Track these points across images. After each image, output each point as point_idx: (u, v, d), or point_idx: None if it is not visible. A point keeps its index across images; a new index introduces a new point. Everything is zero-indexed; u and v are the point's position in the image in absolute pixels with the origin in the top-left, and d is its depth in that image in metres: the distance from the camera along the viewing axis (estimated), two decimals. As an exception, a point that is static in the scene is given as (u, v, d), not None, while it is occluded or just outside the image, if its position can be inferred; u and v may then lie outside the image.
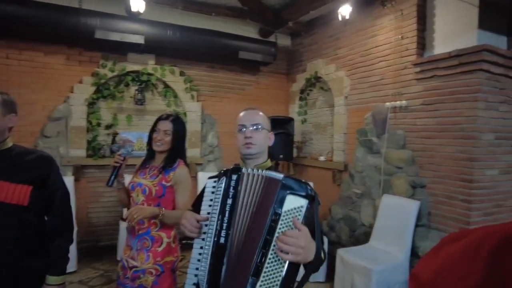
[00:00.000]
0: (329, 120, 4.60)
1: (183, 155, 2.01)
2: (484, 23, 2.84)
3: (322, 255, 1.13)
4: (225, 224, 1.15)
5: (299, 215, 1.08)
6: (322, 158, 4.56)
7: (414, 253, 3.05)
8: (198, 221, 1.20)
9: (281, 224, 1.08)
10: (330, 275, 3.33)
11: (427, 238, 3.04)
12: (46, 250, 1.56)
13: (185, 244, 3.59)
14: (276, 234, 1.06)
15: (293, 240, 1.03)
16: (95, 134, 4.21)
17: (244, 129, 1.32)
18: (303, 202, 1.10)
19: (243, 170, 1.20)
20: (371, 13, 3.76)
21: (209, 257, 1.14)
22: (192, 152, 4.63)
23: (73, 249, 2.80)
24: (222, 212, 1.16)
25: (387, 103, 3.49)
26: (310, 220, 1.12)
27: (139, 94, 4.33)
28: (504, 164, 2.91)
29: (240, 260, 1.10)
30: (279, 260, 1.06)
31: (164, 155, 1.95)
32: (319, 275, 3.47)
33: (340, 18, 3.65)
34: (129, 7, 3.71)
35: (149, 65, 4.43)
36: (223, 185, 1.20)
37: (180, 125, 2.00)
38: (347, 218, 4.02)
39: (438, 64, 2.97)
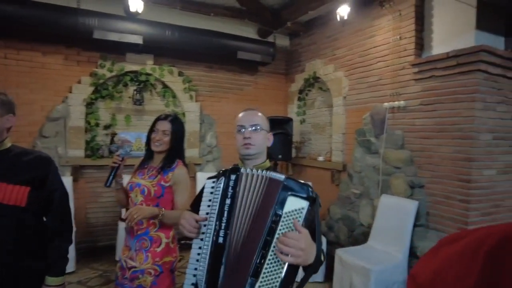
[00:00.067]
0: (327, 120, 4.60)
1: (181, 155, 2.01)
2: (482, 24, 2.85)
3: (322, 257, 1.13)
4: (223, 224, 1.15)
5: (300, 217, 1.08)
6: (320, 158, 4.56)
7: (412, 253, 3.06)
8: (197, 221, 1.20)
9: (281, 226, 1.07)
10: (329, 275, 3.33)
11: (425, 238, 3.05)
12: (46, 251, 1.55)
13: (184, 244, 3.59)
14: (276, 235, 1.06)
15: (293, 242, 1.02)
16: (94, 134, 4.21)
17: (243, 129, 1.32)
18: (304, 204, 1.09)
19: (242, 170, 1.20)
20: (369, 13, 3.77)
21: (207, 257, 1.14)
22: (190, 152, 4.63)
23: (71, 249, 2.79)
24: (220, 212, 1.16)
25: (386, 103, 3.50)
26: (311, 222, 1.11)
27: (138, 94, 4.32)
28: (501, 164, 2.92)
29: (239, 260, 1.10)
30: (278, 261, 1.05)
31: (163, 155, 1.95)
32: (318, 275, 3.47)
33: (338, 19, 3.65)
34: (128, 7, 3.70)
35: (148, 65, 4.43)
36: (221, 185, 1.20)
37: (179, 125, 2.00)
38: (346, 218, 4.03)
39: (436, 64, 2.97)
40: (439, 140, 3.01)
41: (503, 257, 0.63)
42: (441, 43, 3.11)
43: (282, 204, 1.10)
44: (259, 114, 1.38)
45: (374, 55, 3.71)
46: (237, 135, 1.34)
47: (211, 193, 1.23)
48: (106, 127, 4.29)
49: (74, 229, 2.14)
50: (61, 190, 1.60)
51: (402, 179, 3.31)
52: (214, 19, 4.50)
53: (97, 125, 4.21)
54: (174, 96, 4.63)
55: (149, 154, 1.99)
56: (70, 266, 3.41)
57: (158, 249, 1.82)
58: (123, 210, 3.60)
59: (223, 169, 1.25)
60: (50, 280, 1.52)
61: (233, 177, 1.20)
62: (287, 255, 1.03)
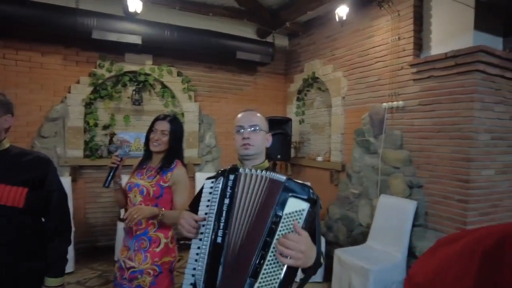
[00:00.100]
0: (326, 121, 4.61)
1: (180, 155, 2.01)
2: (480, 24, 2.86)
3: (321, 259, 1.13)
4: (222, 224, 1.15)
5: (300, 218, 1.08)
6: (319, 159, 4.57)
7: (411, 253, 3.07)
8: (196, 221, 1.20)
9: (281, 227, 1.07)
10: (328, 275, 3.33)
11: (424, 238, 3.06)
12: (46, 251, 1.55)
13: (183, 244, 3.59)
14: (276, 237, 1.06)
15: (294, 244, 1.02)
16: (93, 134, 4.20)
17: (242, 130, 1.33)
18: (305, 206, 1.09)
19: (241, 170, 1.21)
20: (368, 14, 3.78)
21: (206, 257, 1.14)
22: (189, 152, 4.63)
23: (70, 249, 2.79)
24: (219, 212, 1.16)
25: (384, 104, 3.51)
26: (311, 224, 1.11)
27: (137, 95, 4.32)
28: (500, 164, 2.93)
29: (238, 261, 1.10)
30: (278, 262, 1.05)
31: (162, 155, 1.95)
32: (317, 275, 3.46)
33: (337, 19, 3.66)
34: (126, 7, 3.70)
35: (147, 65, 4.42)
36: (220, 185, 1.20)
37: (177, 126, 2.00)
38: (345, 218, 4.03)
39: (435, 64, 2.98)
40: (438, 140, 3.02)
41: (501, 257, 0.63)
42: (440, 43, 3.12)
43: (282, 205, 1.09)
44: (258, 114, 1.39)
45: (373, 55, 3.71)
46: (236, 136, 1.34)
47: (210, 193, 1.23)
48: (105, 127, 4.29)
49: (73, 229, 2.14)
50: (59, 191, 1.60)
51: (401, 179, 3.32)
52: (213, 19, 4.51)
53: (96, 125, 4.21)
54: (173, 96, 4.63)
55: (148, 154, 1.99)
56: (69, 267, 3.41)
57: (157, 249, 1.83)
58: (122, 211, 3.60)
59: (222, 169, 1.26)
60: (50, 281, 1.52)
61: (231, 177, 1.20)
62: (287, 257, 1.02)
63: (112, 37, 3.90)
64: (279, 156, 4.50)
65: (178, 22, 4.30)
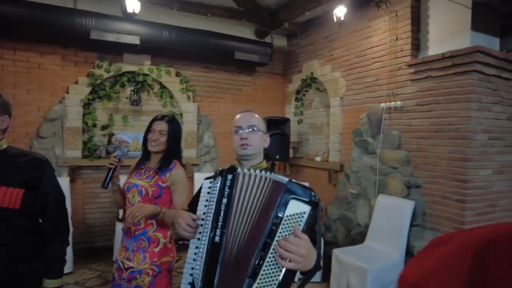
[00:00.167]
0: (325, 121, 4.62)
1: (178, 155, 2.01)
2: (477, 25, 2.88)
3: (321, 263, 1.13)
4: (220, 224, 1.15)
5: (301, 221, 1.07)
6: (318, 159, 4.58)
7: (409, 253, 3.08)
8: (194, 221, 1.20)
9: (282, 229, 1.07)
10: (326, 275, 3.34)
11: (422, 238, 3.07)
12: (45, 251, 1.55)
13: (182, 244, 3.60)
14: (276, 238, 1.06)
15: (294, 248, 1.02)
16: (91, 135, 4.20)
17: (240, 130, 1.34)
18: (306, 208, 1.09)
19: (239, 170, 1.21)
20: (366, 14, 3.79)
21: (204, 256, 1.15)
22: (188, 152, 4.63)
23: (69, 250, 2.77)
24: (217, 211, 1.17)
25: (382, 104, 3.52)
26: (312, 226, 1.11)
27: (135, 95, 4.32)
28: (497, 164, 2.94)
29: (237, 260, 1.10)
30: (277, 263, 1.05)
31: (160, 155, 1.95)
32: (315, 275, 3.48)
33: (335, 20, 3.67)
34: (125, 7, 3.70)
35: (145, 65, 4.42)
36: (218, 185, 1.21)
37: (175, 126, 2.00)
38: (343, 218, 4.04)
39: (432, 65, 2.99)
40: (435, 140, 3.03)
41: (492, 257, 0.64)
42: (437, 43, 3.13)
43: (283, 207, 1.09)
44: (256, 115, 1.40)
45: (371, 56, 3.72)
46: (234, 136, 1.35)
47: (208, 193, 1.23)
48: (104, 127, 4.28)
49: (72, 229, 2.14)
50: (56, 192, 1.59)
51: (399, 179, 3.33)
52: (211, 19, 4.51)
53: (94, 125, 4.21)
54: (171, 97, 4.63)
55: (146, 154, 1.99)
56: (68, 267, 3.40)
57: (156, 249, 1.83)
58: (121, 211, 3.60)
59: (220, 169, 1.26)
60: (48, 283, 1.52)
61: (229, 177, 1.20)
62: (286, 260, 1.02)
63: (111, 37, 3.90)
64: (277, 156, 4.50)
65: (177, 22, 4.31)
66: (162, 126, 1.93)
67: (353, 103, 4.01)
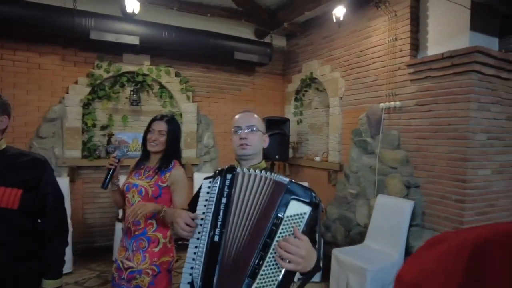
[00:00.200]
0: (324, 121, 4.62)
1: (178, 155, 2.01)
2: (476, 25, 2.88)
3: (321, 263, 1.13)
4: (219, 223, 1.15)
5: (301, 221, 1.07)
6: (317, 159, 4.58)
7: (408, 253, 3.07)
8: (192, 220, 1.21)
9: (282, 229, 1.07)
10: (326, 275, 3.34)
11: (421, 238, 3.07)
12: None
13: (181, 244, 3.60)
14: (276, 239, 1.06)
15: (294, 249, 1.01)
16: (91, 135, 4.20)
17: (240, 131, 1.34)
18: (307, 209, 1.09)
19: (238, 170, 1.21)
20: (365, 14, 3.79)
21: (203, 255, 1.15)
22: (188, 152, 4.63)
23: (68, 250, 2.79)
24: (216, 211, 1.17)
25: (381, 104, 3.52)
26: (312, 227, 1.11)
27: (135, 95, 4.32)
28: (496, 164, 2.94)
29: (236, 260, 1.10)
30: (276, 264, 1.05)
31: (159, 155, 1.95)
32: (315, 275, 3.48)
33: (334, 20, 3.67)
34: (124, 7, 3.70)
35: (145, 65, 4.43)
36: (217, 185, 1.21)
37: (175, 126, 2.00)
38: (343, 218, 4.04)
39: (431, 65, 3.00)
40: (435, 140, 3.03)
41: (489, 256, 0.64)
42: (436, 44, 3.14)
43: (284, 207, 1.09)
44: (255, 116, 1.41)
45: (370, 56, 3.73)
46: (234, 136, 1.36)
47: (208, 192, 1.24)
48: (103, 127, 4.29)
49: (71, 229, 2.14)
50: (55, 193, 1.59)
51: (398, 179, 3.33)
52: (211, 19, 4.51)
53: (94, 125, 4.21)
54: (171, 97, 4.64)
55: (145, 154, 1.99)
56: (67, 267, 3.40)
57: (156, 249, 1.83)
58: (120, 211, 3.60)
59: (220, 169, 1.26)
60: (47, 283, 1.52)
61: (229, 176, 1.20)
62: (286, 261, 1.02)
63: (110, 37, 3.90)
64: (277, 156, 4.51)
65: (176, 22, 4.31)
66: (161, 126, 1.94)
67: (353, 103, 4.01)
